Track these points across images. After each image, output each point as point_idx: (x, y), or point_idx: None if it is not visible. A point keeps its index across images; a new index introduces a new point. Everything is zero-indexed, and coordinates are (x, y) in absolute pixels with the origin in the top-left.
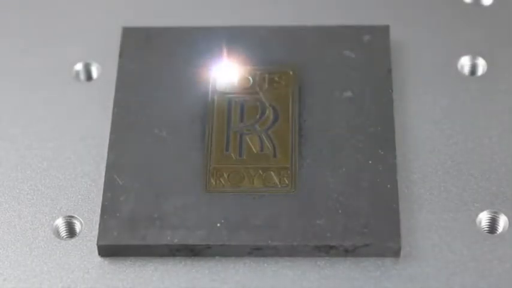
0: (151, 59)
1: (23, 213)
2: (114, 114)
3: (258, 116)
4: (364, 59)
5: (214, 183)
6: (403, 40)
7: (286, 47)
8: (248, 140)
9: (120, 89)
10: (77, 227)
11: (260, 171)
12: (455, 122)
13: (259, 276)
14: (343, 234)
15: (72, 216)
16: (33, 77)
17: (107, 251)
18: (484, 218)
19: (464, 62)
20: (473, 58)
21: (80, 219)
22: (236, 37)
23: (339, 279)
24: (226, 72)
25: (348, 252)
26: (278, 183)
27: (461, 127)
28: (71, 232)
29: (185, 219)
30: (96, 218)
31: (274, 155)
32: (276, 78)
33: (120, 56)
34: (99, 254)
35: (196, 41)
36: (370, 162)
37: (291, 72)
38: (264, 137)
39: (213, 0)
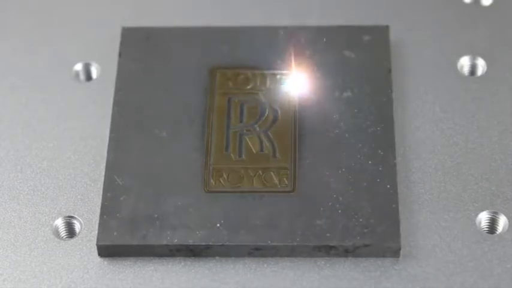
0: (151, 59)
1: (23, 213)
2: (114, 114)
3: (257, 116)
4: (364, 59)
5: (214, 183)
6: (403, 40)
7: (286, 47)
8: (248, 140)
9: (120, 89)
10: (77, 227)
11: (260, 172)
12: (455, 122)
13: (259, 276)
14: (343, 234)
15: (71, 217)
16: (33, 77)
17: (107, 251)
18: (483, 218)
19: (464, 62)
20: (473, 58)
21: (80, 219)
22: (236, 37)
23: (339, 279)
24: (226, 72)
25: (348, 252)
26: (278, 183)
27: (461, 127)
28: (71, 232)
29: (185, 220)
30: (96, 218)
31: (274, 155)
32: (276, 78)
33: (120, 56)
34: (98, 254)
35: (196, 41)
36: (370, 162)
37: (290, 73)
38: (263, 137)
39: (213, 0)
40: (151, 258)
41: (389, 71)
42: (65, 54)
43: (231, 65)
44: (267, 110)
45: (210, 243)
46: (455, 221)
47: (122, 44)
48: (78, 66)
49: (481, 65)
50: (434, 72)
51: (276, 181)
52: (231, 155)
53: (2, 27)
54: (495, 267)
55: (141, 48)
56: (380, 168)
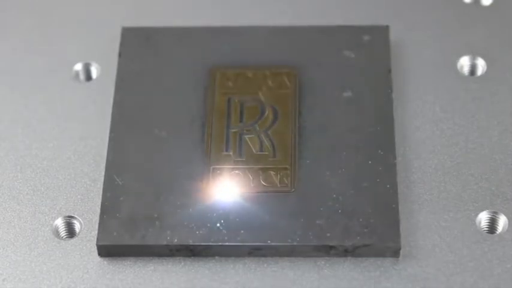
0: (151, 59)
1: (23, 213)
2: (113, 114)
3: (257, 116)
4: (364, 59)
5: (214, 183)
6: (403, 40)
7: (286, 47)
8: (248, 140)
9: (119, 89)
10: (77, 227)
11: (260, 172)
12: (455, 122)
13: (259, 276)
14: (343, 234)
15: (71, 217)
16: (33, 77)
17: (107, 251)
18: (483, 218)
19: (464, 62)
20: (473, 58)
21: (80, 219)
22: (236, 37)
23: (338, 279)
24: (226, 72)
25: (348, 252)
26: (278, 183)
27: (461, 127)
28: (71, 232)
29: (185, 219)
30: (96, 218)
31: (274, 155)
32: (276, 78)
33: (120, 56)
34: (98, 254)
35: (196, 41)
36: (370, 162)
37: (290, 72)
38: (263, 137)
39: (213, 0)
40: (151, 258)
41: (389, 71)
42: (65, 54)
43: (231, 65)
44: (267, 109)
45: (210, 243)
46: (455, 221)
47: (121, 44)
48: (78, 66)
49: (481, 65)
50: (434, 72)
51: (276, 181)
52: (231, 155)
53: (2, 27)
54: (495, 267)
55: (141, 48)
56: (380, 168)
